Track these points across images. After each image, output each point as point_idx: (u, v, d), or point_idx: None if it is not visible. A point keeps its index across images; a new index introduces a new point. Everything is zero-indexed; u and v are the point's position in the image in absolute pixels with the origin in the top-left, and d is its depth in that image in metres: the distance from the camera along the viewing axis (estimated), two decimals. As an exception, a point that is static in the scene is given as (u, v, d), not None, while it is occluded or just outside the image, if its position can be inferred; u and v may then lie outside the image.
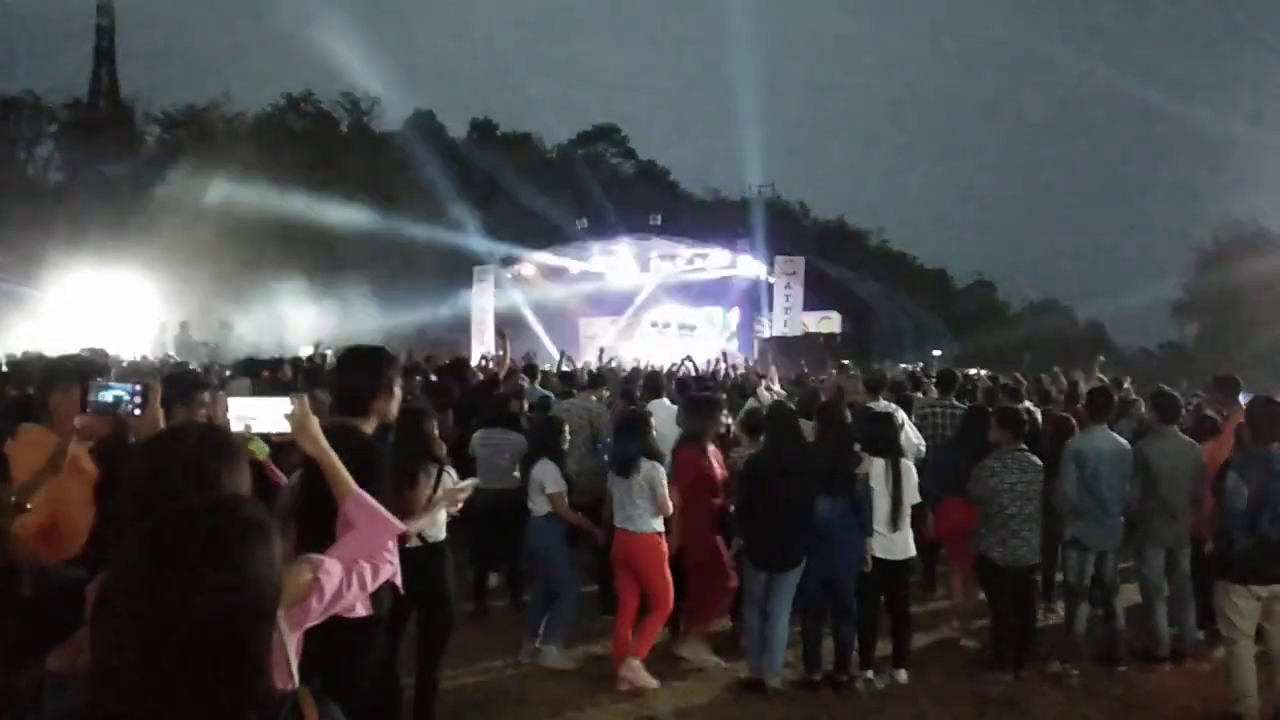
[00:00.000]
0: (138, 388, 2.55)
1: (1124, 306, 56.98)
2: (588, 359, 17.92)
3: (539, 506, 6.29)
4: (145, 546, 1.32)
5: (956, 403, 8.35)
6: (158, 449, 2.04)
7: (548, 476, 6.29)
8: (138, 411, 2.53)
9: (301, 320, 26.33)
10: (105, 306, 20.90)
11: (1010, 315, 60.91)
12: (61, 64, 55.53)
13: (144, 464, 2.01)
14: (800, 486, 5.72)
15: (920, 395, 9.34)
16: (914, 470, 6.15)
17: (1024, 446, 6.21)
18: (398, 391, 3.42)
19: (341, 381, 3.48)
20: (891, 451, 6.01)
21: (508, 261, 27.40)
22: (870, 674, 5.91)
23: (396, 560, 2.27)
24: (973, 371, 13.80)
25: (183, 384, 3.17)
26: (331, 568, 2.12)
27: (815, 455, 5.91)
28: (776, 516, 5.68)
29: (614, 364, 15.91)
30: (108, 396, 2.52)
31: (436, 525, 4.94)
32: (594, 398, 8.42)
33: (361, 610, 2.21)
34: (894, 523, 5.90)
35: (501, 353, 10.22)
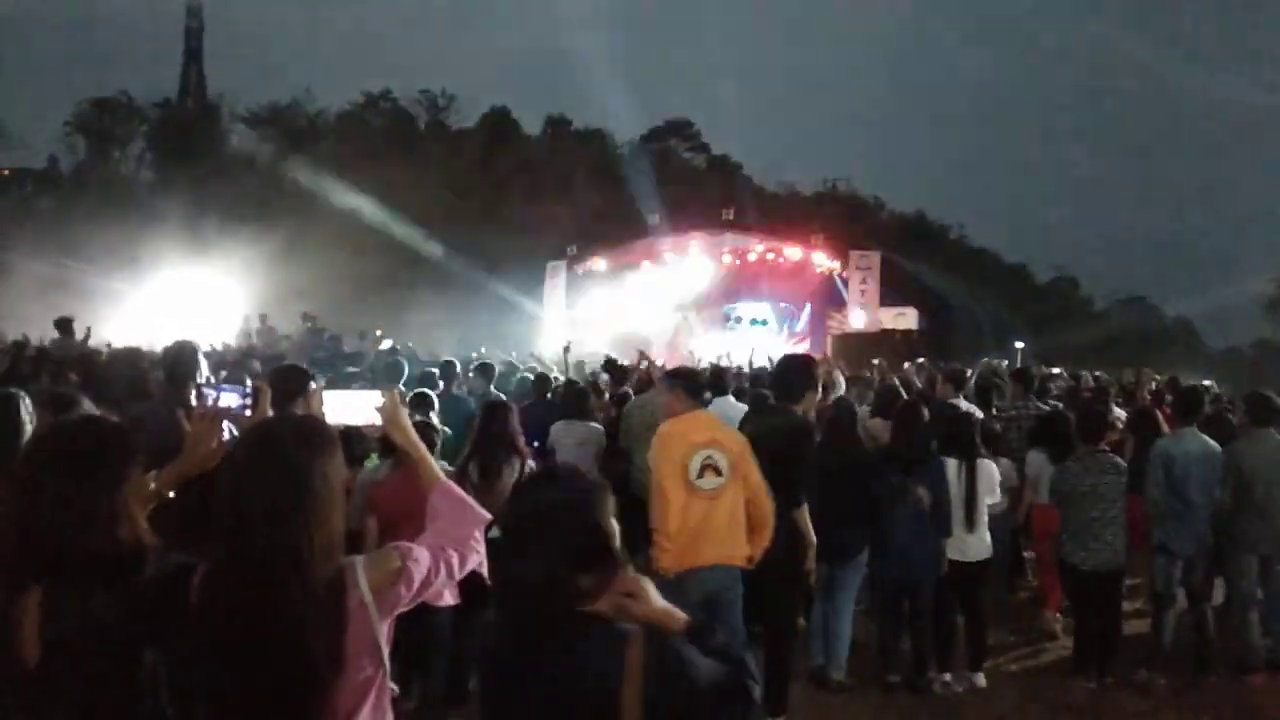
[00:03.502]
0: (249, 390, 2.64)
1: (1214, 303, 55.12)
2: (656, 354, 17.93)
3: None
4: None
5: (1039, 404, 8.15)
6: (254, 442, 2.10)
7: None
8: (249, 412, 2.61)
9: (378, 315, 26.87)
10: (191, 299, 21.56)
11: (1094, 312, 59.26)
12: (152, 66, 57.53)
13: (241, 456, 2.08)
14: (855, 479, 5.68)
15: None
16: (994, 470, 6.03)
17: (1105, 448, 6.05)
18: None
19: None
20: (965, 451, 5.91)
21: (579, 257, 27.52)
22: (948, 677, 5.82)
23: (483, 549, 2.31)
24: (1056, 370, 13.45)
25: (292, 378, 3.27)
26: (420, 555, 2.16)
27: (869, 451, 5.89)
28: (832, 510, 5.62)
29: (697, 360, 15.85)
30: (222, 399, 2.60)
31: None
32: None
33: (450, 599, 2.25)
34: (969, 523, 5.80)
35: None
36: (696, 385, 5.05)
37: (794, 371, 5.33)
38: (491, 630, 1.83)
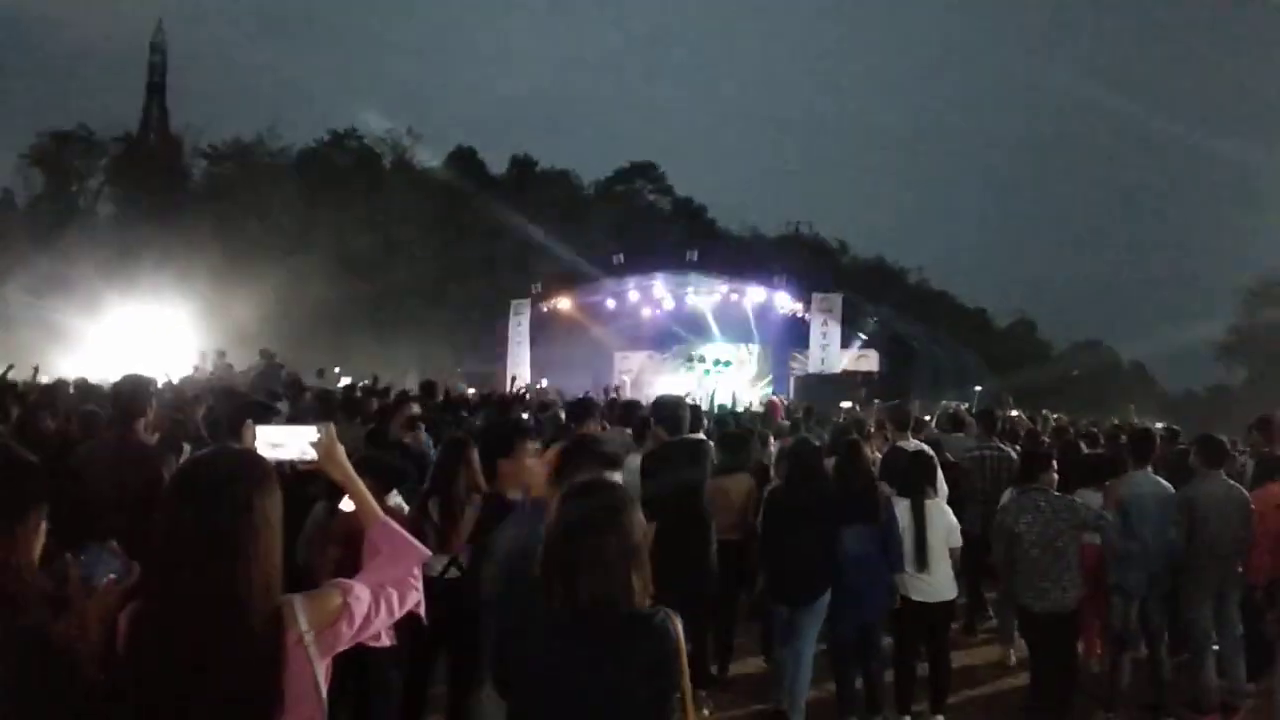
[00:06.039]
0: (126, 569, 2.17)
1: (1169, 348, 56.18)
2: (621, 392, 17.94)
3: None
4: None
5: (1003, 445, 8.21)
6: (190, 474, 2.03)
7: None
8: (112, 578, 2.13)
9: (341, 352, 26.62)
10: (149, 335, 21.24)
11: (1052, 355, 60.12)
12: (114, 100, 57.01)
13: (175, 488, 2.01)
14: (819, 520, 5.63)
15: (961, 435, 9.22)
16: (946, 511, 5.98)
17: (1040, 486, 5.81)
18: None
19: None
20: (913, 491, 5.86)
21: (544, 295, 27.57)
22: (907, 719, 5.76)
23: (421, 587, 2.25)
24: (1014, 413, 13.59)
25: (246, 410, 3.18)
26: (361, 593, 2.10)
27: (833, 490, 5.86)
28: (796, 550, 5.59)
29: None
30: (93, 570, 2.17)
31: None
32: (628, 431, 8.40)
33: (386, 640, 2.18)
34: (920, 563, 5.72)
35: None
36: (578, 414, 6.26)
37: (676, 408, 6.07)
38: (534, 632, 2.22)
